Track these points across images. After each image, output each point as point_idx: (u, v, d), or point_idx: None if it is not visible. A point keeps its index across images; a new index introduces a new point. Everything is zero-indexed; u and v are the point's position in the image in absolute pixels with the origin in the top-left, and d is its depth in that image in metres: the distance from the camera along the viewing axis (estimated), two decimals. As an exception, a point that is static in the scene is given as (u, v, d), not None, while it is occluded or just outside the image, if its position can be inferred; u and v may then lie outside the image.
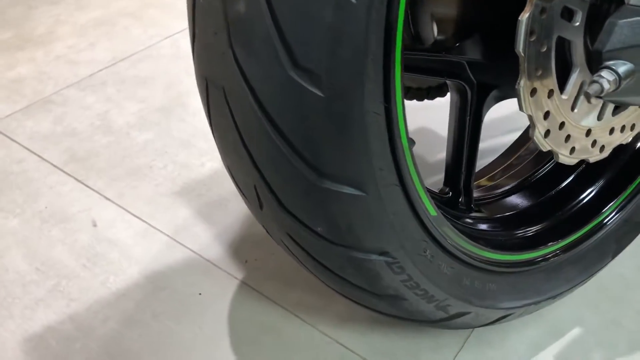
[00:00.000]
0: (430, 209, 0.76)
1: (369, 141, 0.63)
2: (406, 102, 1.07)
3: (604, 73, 0.68)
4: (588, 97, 0.67)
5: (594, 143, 0.87)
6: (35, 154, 1.35)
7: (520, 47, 0.72)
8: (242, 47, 0.61)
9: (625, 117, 0.89)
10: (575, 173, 1.00)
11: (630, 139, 0.91)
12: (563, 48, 0.79)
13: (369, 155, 0.64)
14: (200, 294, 1.08)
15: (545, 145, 0.80)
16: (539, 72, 0.75)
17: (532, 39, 0.72)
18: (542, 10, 0.71)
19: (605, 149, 0.89)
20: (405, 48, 0.92)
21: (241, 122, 0.66)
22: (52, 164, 1.33)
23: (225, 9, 0.61)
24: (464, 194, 0.95)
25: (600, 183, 0.99)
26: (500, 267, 0.87)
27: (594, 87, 0.67)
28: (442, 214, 0.79)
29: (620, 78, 0.67)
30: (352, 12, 0.57)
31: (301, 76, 0.59)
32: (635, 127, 0.91)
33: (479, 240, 0.87)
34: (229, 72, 0.63)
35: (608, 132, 0.88)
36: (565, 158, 0.84)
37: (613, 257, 1.04)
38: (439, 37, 0.87)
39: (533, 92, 0.76)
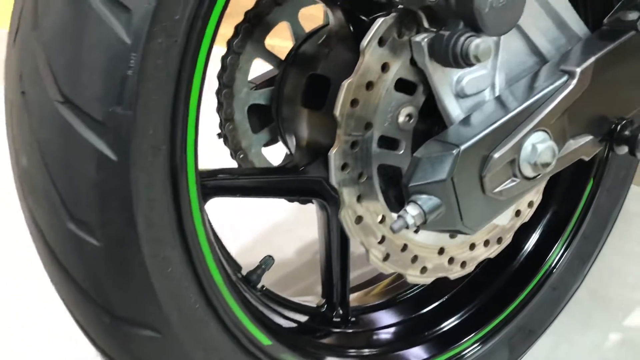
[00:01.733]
0: (263, 339, 0.75)
1: (155, 286, 0.63)
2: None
3: (409, 208, 0.67)
4: (393, 231, 0.66)
5: (451, 260, 0.85)
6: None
7: (333, 180, 0.72)
8: (31, 198, 0.63)
9: (487, 232, 0.87)
10: (441, 300, 0.96)
11: (497, 252, 0.89)
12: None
13: (158, 298, 0.64)
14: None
15: (386, 269, 0.79)
16: (363, 201, 0.75)
17: (347, 171, 0.72)
18: (354, 144, 0.72)
19: (468, 264, 0.87)
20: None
21: (45, 267, 0.68)
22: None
23: (17, 161, 0.64)
24: (340, 307, 0.93)
25: (463, 314, 0.95)
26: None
27: (398, 223, 0.66)
28: (282, 340, 0.78)
29: (425, 213, 0.67)
30: (114, 168, 0.59)
31: (78, 227, 0.61)
32: (503, 240, 0.89)
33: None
34: (29, 220, 0.66)
35: (468, 248, 0.86)
36: (417, 278, 0.83)
37: (507, 366, 1.00)
38: (296, 157, 0.88)
39: (358, 219, 0.75)
